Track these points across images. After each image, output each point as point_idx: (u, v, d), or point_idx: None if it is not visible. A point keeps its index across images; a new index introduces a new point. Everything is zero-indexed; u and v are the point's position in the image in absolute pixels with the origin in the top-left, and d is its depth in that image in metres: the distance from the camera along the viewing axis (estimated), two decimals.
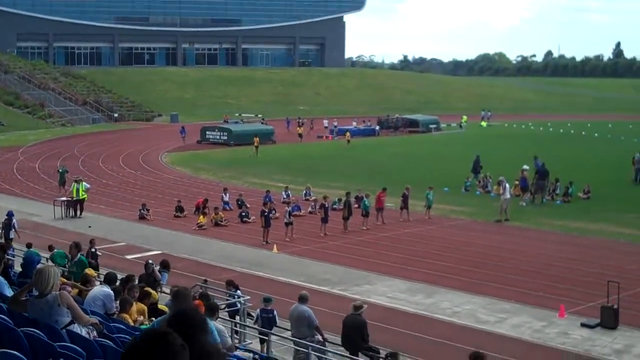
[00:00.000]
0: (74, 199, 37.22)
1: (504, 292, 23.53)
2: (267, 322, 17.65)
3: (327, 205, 33.07)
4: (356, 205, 35.57)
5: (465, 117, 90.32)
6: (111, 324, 11.34)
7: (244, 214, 35.79)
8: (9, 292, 11.94)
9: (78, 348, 7.78)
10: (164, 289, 19.38)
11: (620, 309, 20.18)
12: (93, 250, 23.54)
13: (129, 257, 27.85)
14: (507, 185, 36.25)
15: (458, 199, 40.51)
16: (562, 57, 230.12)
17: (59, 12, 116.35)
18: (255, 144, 62.44)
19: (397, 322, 20.72)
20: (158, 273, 19.68)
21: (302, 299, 16.93)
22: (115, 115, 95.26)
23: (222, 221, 34.65)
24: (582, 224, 34.27)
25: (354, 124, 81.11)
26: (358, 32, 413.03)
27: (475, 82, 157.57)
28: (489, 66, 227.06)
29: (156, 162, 58.97)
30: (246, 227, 34.36)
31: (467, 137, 78.62)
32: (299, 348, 16.37)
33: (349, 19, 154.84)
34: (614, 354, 18.41)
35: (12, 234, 28.42)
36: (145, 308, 14.41)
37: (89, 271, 17.17)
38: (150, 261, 20.31)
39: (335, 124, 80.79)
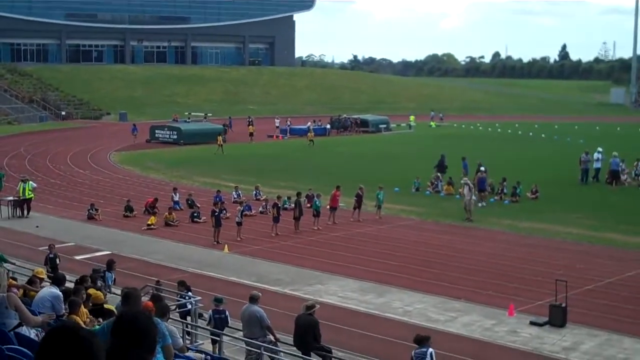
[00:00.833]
0: (21, 198, 36.61)
1: (455, 291, 23.71)
2: (219, 322, 17.56)
3: (279, 205, 33.05)
4: (307, 205, 35.57)
5: (412, 117, 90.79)
6: None
7: (195, 214, 35.56)
8: None
9: (27, 351, 7.64)
10: (112, 289, 19.18)
11: (568, 307, 20.46)
12: (52, 255, 23.03)
13: (77, 257, 27.47)
14: (472, 186, 36.59)
15: (408, 199, 40.71)
16: (509, 58, 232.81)
17: (5, 8, 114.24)
18: (219, 142, 62.63)
19: (349, 322, 20.75)
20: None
21: (253, 299, 16.88)
22: (63, 113, 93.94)
23: (173, 221, 34.38)
24: (531, 223, 34.68)
25: (309, 123, 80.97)
26: (308, 31, 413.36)
27: (424, 83, 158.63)
28: (438, 67, 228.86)
29: (105, 161, 58.29)
30: (197, 227, 34.14)
31: (417, 137, 79.16)
32: (251, 348, 16.31)
33: (299, 18, 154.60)
34: (563, 351, 18.66)
35: None
36: (86, 311, 14.19)
37: (38, 272, 16.89)
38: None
39: (289, 123, 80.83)
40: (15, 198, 36.85)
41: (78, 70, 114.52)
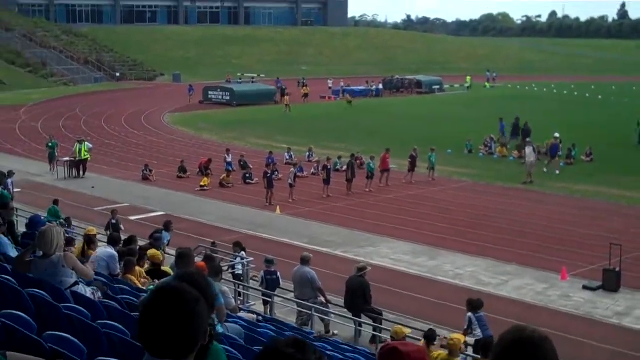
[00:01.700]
0: (77, 159, 37.18)
1: (506, 254, 23.60)
2: (270, 283, 17.73)
3: (329, 167, 33.01)
4: (359, 166, 35.59)
5: (469, 77, 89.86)
6: (115, 285, 11.37)
7: (247, 175, 35.76)
8: (13, 253, 11.98)
9: (82, 309, 7.80)
10: (167, 250, 19.45)
11: (622, 272, 20.24)
12: (114, 221, 23.35)
13: (132, 217, 27.87)
14: (535, 147, 36.30)
15: (461, 161, 40.44)
16: (566, 17, 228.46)
17: None
18: (286, 101, 63.83)
19: (400, 284, 20.80)
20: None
21: (305, 261, 16.99)
22: (117, 74, 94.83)
23: (227, 183, 34.65)
24: (585, 186, 34.24)
25: (342, 83, 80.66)
26: None
27: (478, 42, 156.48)
28: (493, 26, 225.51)
29: (159, 122, 58.82)
30: (249, 188, 34.37)
31: (470, 98, 78.28)
32: (301, 309, 16.47)
33: None
34: (615, 316, 18.50)
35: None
36: (142, 270, 14.42)
37: (89, 230, 17.14)
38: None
39: (342, 84, 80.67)
40: (72, 158, 37.40)
41: (132, 30, 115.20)
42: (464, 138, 44.30)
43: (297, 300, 16.75)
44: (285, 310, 17.57)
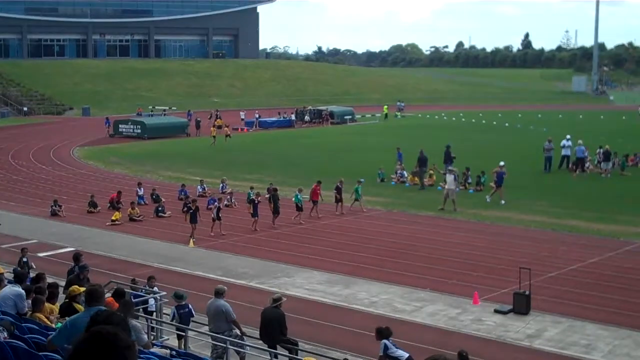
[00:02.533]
0: None
1: (420, 281, 23.85)
2: (184, 317, 17.50)
3: (257, 201, 32.47)
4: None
5: (386, 107, 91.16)
6: (23, 324, 11.06)
7: (159, 208, 35.34)
8: None
9: None
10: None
11: (532, 295, 20.68)
12: (25, 259, 22.72)
13: (41, 254, 27.19)
14: (457, 175, 36.85)
15: (374, 190, 40.80)
16: (473, 48, 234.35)
17: None
18: (213, 133, 63.32)
19: (316, 314, 20.79)
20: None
21: (219, 293, 16.83)
22: (25, 109, 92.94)
23: (137, 216, 34.17)
24: (495, 212, 34.94)
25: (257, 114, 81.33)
26: (271, 23, 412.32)
27: (388, 73, 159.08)
28: (402, 57, 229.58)
29: (68, 156, 57.75)
30: (162, 221, 33.97)
31: (382, 128, 79.33)
32: (217, 343, 16.29)
33: (263, 9, 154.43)
34: (527, 338, 18.85)
35: None
36: (55, 308, 14.08)
37: None
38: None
39: (258, 115, 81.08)
40: None
41: (40, 65, 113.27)
42: (376, 167, 44.75)
43: (212, 333, 16.58)
44: (201, 344, 17.35)
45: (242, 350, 16.39)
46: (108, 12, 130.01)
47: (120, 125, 71.81)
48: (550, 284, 23.14)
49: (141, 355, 10.37)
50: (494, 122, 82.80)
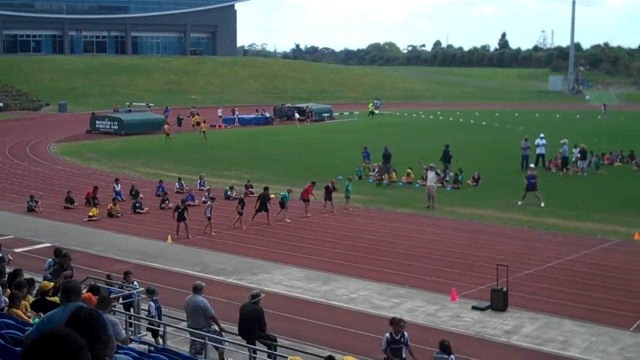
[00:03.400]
0: None
1: (398, 277, 23.88)
2: (159, 311, 17.50)
3: (245, 201, 32.37)
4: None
5: (371, 105, 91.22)
6: (0, 320, 10.96)
7: (137, 204, 35.14)
8: None
9: None
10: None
11: (509, 292, 20.77)
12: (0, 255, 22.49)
13: (17, 250, 26.96)
14: (439, 172, 37.22)
15: (352, 187, 40.74)
16: (450, 47, 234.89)
17: None
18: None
19: (295, 310, 20.77)
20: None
21: (197, 290, 16.76)
22: (0, 104, 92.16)
23: (117, 213, 33.98)
24: (472, 210, 35.09)
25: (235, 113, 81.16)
26: (249, 20, 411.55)
27: (366, 72, 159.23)
28: (380, 55, 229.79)
29: (44, 152, 57.36)
30: (139, 218, 33.80)
31: (360, 125, 79.40)
32: (195, 339, 16.23)
33: (240, 7, 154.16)
34: (504, 335, 18.92)
35: None
36: (27, 303, 13.99)
37: None
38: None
39: (237, 113, 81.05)
40: None
41: (16, 60, 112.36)
42: (354, 165, 44.78)
43: (191, 329, 16.51)
44: (179, 340, 17.28)
45: (220, 346, 16.35)
46: (85, 8, 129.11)
47: (97, 122, 71.41)
48: (527, 281, 23.25)
49: (119, 351, 10.29)
50: (471, 121, 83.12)
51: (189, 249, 28.26)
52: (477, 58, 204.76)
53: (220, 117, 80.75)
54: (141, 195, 36.70)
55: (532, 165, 40.38)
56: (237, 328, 16.78)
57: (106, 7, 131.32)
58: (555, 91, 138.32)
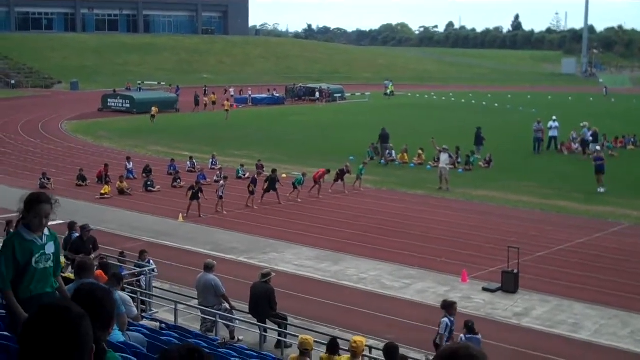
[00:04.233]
0: None
1: (409, 258, 23.90)
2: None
3: (257, 180, 32.50)
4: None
5: (391, 85, 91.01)
6: None
7: (148, 182, 35.20)
8: None
9: None
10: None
11: (520, 274, 20.76)
12: (12, 232, 22.61)
13: None
14: (452, 154, 37.17)
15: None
16: (463, 28, 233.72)
17: None
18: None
19: (305, 290, 20.83)
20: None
21: (208, 268, 16.83)
22: (13, 82, 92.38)
23: (127, 190, 34.07)
24: (484, 192, 35.01)
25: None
26: (261, 0, 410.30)
27: (378, 52, 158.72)
28: (393, 36, 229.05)
29: (57, 130, 57.49)
30: (151, 196, 33.88)
31: (371, 106, 79.21)
32: (206, 316, 16.32)
33: None
34: (515, 317, 18.94)
35: None
36: None
37: None
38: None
39: (250, 92, 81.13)
40: None
41: (28, 38, 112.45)
42: (366, 145, 44.71)
43: (202, 307, 16.59)
44: (190, 318, 17.37)
45: (231, 324, 16.43)
46: None
47: (109, 100, 71.50)
48: (538, 264, 23.23)
49: (131, 328, 10.36)
50: (484, 103, 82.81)
51: (201, 227, 28.33)
52: (490, 40, 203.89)
53: (232, 96, 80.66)
54: (154, 173, 36.75)
55: (597, 147, 40.17)
56: (247, 307, 16.85)
57: None
58: (568, 74, 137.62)
